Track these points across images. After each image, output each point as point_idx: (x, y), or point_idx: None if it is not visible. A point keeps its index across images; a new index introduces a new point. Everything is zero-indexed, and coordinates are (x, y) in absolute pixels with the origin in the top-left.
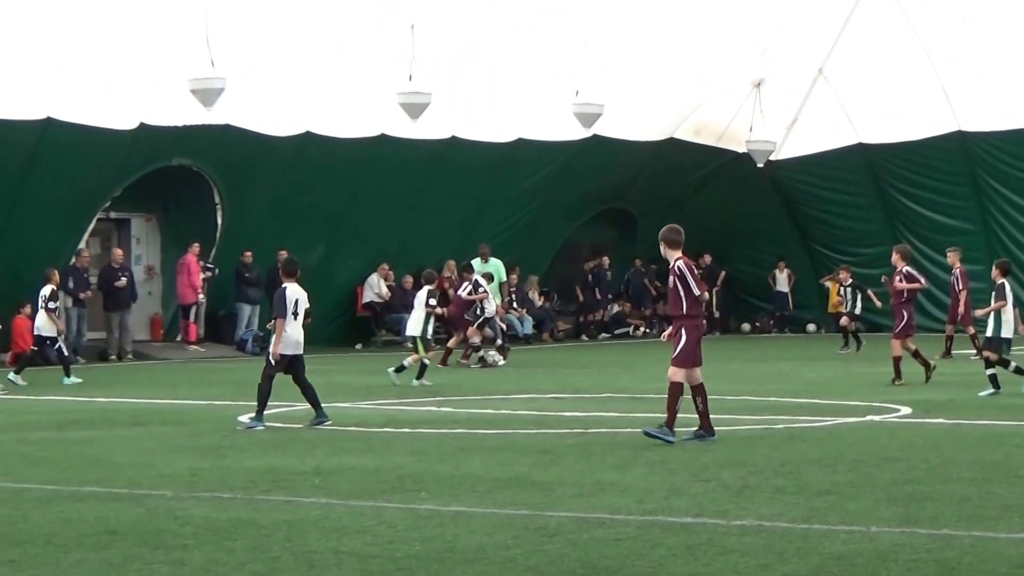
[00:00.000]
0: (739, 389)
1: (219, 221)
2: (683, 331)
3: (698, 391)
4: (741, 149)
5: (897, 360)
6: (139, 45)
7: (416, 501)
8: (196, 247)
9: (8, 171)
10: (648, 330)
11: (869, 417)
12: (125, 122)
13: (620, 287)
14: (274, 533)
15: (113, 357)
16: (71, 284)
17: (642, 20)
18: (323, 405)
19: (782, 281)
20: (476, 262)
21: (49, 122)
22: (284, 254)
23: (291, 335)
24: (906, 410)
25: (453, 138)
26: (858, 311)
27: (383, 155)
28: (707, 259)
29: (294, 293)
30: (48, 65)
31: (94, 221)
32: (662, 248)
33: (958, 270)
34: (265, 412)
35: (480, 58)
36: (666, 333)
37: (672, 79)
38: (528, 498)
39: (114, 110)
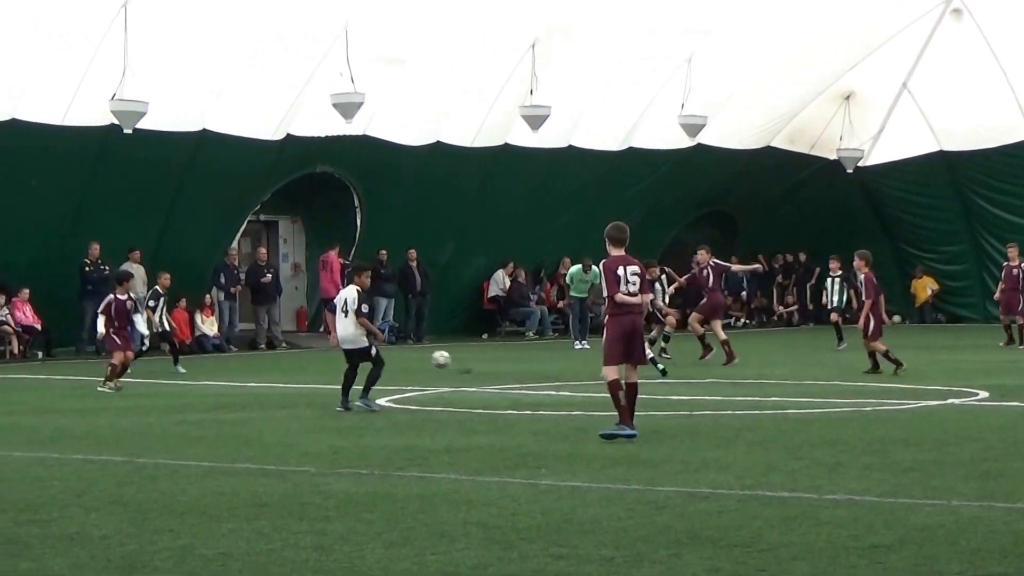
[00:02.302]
0: (830, 375)
1: (358, 222)
2: (605, 328)
3: (630, 389)
4: (832, 156)
5: (874, 354)
6: (286, 63)
7: (537, 477)
8: (337, 246)
9: (168, 178)
10: (748, 321)
11: (950, 400)
12: (273, 133)
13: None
14: (408, 506)
15: (262, 346)
16: (223, 280)
17: (742, 39)
18: (452, 389)
19: None
20: (576, 269)
21: (205, 133)
22: (413, 253)
23: (340, 332)
24: (984, 394)
25: (570, 147)
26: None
27: (506, 163)
28: (802, 257)
29: (344, 294)
30: (204, 82)
31: (245, 223)
32: (607, 245)
33: (1018, 264)
34: (399, 396)
35: (594, 73)
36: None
37: (769, 92)
38: (638, 474)
39: (263, 122)
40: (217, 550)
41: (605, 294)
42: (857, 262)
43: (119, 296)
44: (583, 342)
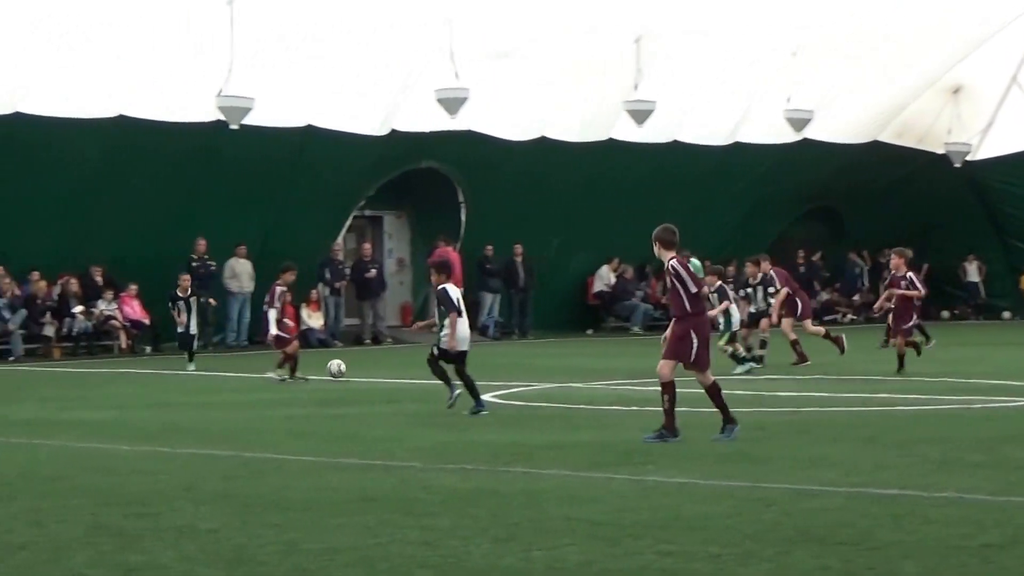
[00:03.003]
0: (939, 371)
1: (462, 218)
2: (692, 332)
3: (668, 388)
4: (940, 151)
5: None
6: (390, 60)
7: (643, 473)
8: (451, 241)
9: (275, 173)
10: (855, 317)
11: None
12: (378, 128)
13: (830, 277)
14: (513, 501)
15: (367, 341)
16: (328, 275)
17: (849, 32)
18: (557, 385)
19: (972, 272)
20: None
21: (310, 129)
22: (518, 248)
23: (461, 332)
24: None
25: (675, 142)
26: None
27: (611, 157)
28: (909, 253)
29: (456, 293)
30: (310, 78)
31: (351, 218)
32: (656, 248)
33: None
34: (505, 392)
35: (699, 67)
36: (668, 333)
37: (876, 86)
38: (745, 471)
39: (369, 118)
40: (323, 545)
41: (694, 290)
42: (895, 260)
43: (279, 287)
44: None
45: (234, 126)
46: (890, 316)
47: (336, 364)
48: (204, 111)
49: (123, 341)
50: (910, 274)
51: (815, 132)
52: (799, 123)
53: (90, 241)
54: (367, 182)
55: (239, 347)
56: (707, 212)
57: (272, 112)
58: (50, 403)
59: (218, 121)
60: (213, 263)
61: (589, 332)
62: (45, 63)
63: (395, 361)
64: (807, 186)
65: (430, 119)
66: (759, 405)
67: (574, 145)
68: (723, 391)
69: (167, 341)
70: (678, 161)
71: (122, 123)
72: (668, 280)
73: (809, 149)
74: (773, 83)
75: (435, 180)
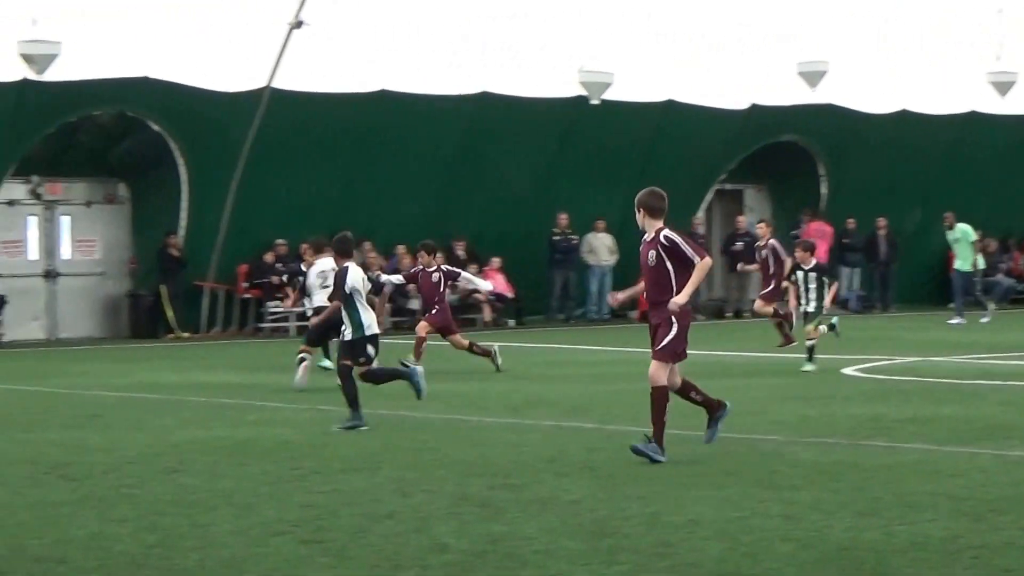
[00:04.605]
0: None
1: (823, 191)
2: (674, 319)
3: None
4: None
5: None
6: (751, 34)
7: (1007, 448)
8: (807, 216)
9: (635, 148)
10: None
11: None
12: (739, 103)
13: None
14: (875, 475)
15: (729, 315)
16: None
17: None
18: (920, 359)
19: None
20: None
21: (670, 104)
22: (882, 221)
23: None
24: None
25: None
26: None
27: (973, 130)
28: None
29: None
30: (670, 53)
31: (711, 192)
32: (639, 216)
33: None
34: (866, 366)
35: None
36: (651, 323)
37: None
38: None
39: (730, 93)
40: (686, 517)
41: (698, 259)
42: None
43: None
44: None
45: (595, 101)
46: None
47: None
48: (564, 87)
49: (487, 314)
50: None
51: None
52: None
53: (453, 216)
54: (727, 156)
55: (600, 320)
56: None
57: (632, 87)
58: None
59: (579, 96)
60: (575, 237)
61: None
62: (409, 43)
63: (753, 335)
64: None
65: (791, 93)
66: None
67: (935, 118)
68: None
69: (532, 314)
70: None
71: (484, 99)
72: (654, 254)
73: None
74: None
75: (794, 153)
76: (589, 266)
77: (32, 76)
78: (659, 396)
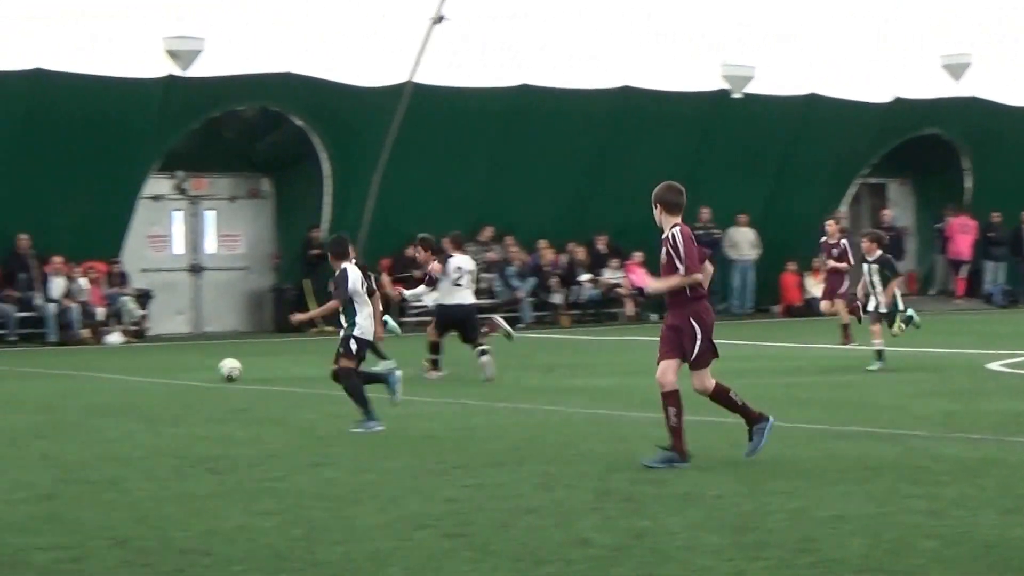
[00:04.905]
0: None
1: (967, 185)
2: (693, 321)
3: (673, 398)
4: None
5: None
6: (895, 27)
7: None
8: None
9: (777, 142)
10: None
11: None
12: (880, 95)
13: None
14: (1021, 472)
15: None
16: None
17: None
18: None
19: None
20: None
21: (813, 98)
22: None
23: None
24: None
25: None
26: None
27: None
28: None
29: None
30: (812, 47)
31: (854, 186)
32: (657, 213)
33: None
34: (1012, 360)
35: None
36: (666, 325)
37: None
38: None
39: (872, 85)
40: (830, 512)
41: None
42: None
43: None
44: None
45: (737, 95)
46: None
47: (229, 367)
48: (707, 80)
49: (629, 309)
50: None
51: None
52: None
53: (594, 210)
54: (870, 150)
55: (743, 314)
56: None
57: (774, 81)
58: (559, 370)
59: (721, 90)
60: (717, 231)
61: None
62: (550, 37)
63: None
64: None
65: (934, 86)
66: None
67: None
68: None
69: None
70: None
71: (626, 93)
72: (664, 252)
73: None
74: None
75: (938, 147)
76: (731, 260)
77: (177, 72)
78: (670, 400)
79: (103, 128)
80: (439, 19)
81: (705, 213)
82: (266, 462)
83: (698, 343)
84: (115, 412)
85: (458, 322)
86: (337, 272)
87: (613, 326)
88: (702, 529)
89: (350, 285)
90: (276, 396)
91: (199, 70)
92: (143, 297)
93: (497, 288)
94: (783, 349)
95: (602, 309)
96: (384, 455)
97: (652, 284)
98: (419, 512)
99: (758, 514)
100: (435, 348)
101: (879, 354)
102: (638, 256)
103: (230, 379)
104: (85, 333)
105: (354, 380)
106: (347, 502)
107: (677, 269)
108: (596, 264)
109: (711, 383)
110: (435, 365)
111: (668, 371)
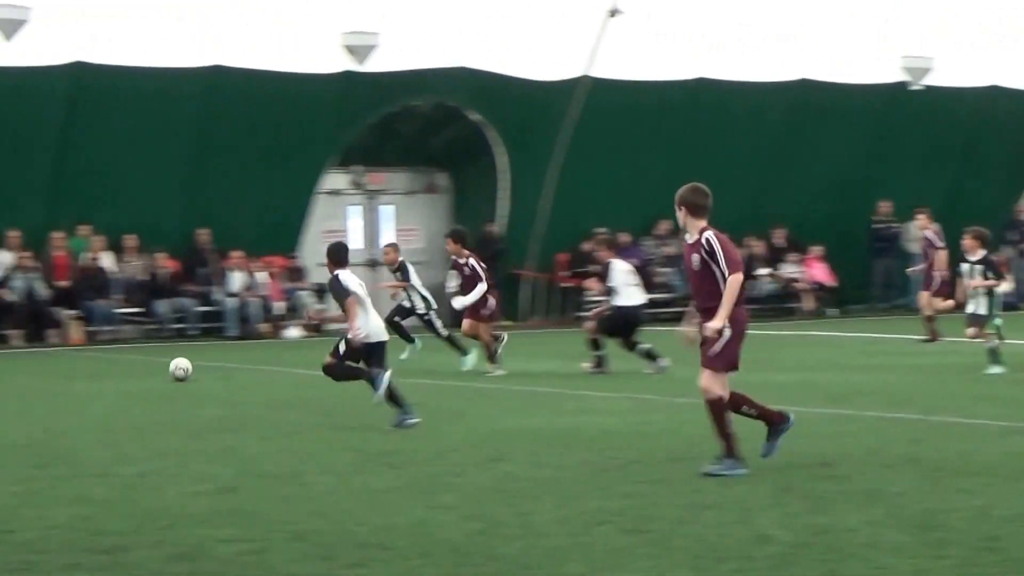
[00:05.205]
0: None
1: None
2: (730, 327)
3: (721, 406)
4: None
5: None
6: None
7: None
8: None
9: (958, 133)
10: None
11: None
12: None
13: None
14: None
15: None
16: (1015, 236)
17: None
18: None
19: None
20: None
21: (993, 89)
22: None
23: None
24: None
25: None
26: None
27: None
28: None
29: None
30: (995, 38)
31: None
32: (681, 216)
33: None
34: None
35: None
36: (696, 330)
37: None
38: None
39: None
40: (1015, 511)
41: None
42: None
43: None
44: None
45: (916, 86)
46: None
47: (180, 368)
48: (886, 72)
49: (808, 303)
50: None
51: None
52: None
53: (772, 203)
54: None
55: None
56: None
57: (955, 72)
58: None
59: (900, 82)
60: (897, 225)
61: None
62: (727, 30)
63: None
64: None
65: None
66: None
67: None
68: None
69: (854, 303)
70: None
71: (804, 86)
72: (698, 259)
73: None
74: None
75: None
76: (912, 255)
77: (354, 67)
78: (717, 408)
79: (281, 124)
80: (615, 12)
81: (884, 207)
82: (444, 457)
83: (723, 342)
84: (294, 406)
85: (632, 325)
86: (330, 278)
87: (791, 320)
88: (884, 526)
89: (353, 289)
90: (453, 391)
91: (375, 65)
92: (321, 292)
93: (675, 283)
94: (964, 345)
95: (780, 303)
96: (561, 450)
97: (717, 323)
98: (597, 508)
99: (940, 512)
100: (596, 345)
101: (993, 354)
102: (817, 250)
103: (178, 379)
104: (264, 327)
105: (341, 370)
106: (525, 497)
107: (713, 274)
108: (774, 258)
109: (716, 389)
110: (600, 362)
111: (715, 383)
